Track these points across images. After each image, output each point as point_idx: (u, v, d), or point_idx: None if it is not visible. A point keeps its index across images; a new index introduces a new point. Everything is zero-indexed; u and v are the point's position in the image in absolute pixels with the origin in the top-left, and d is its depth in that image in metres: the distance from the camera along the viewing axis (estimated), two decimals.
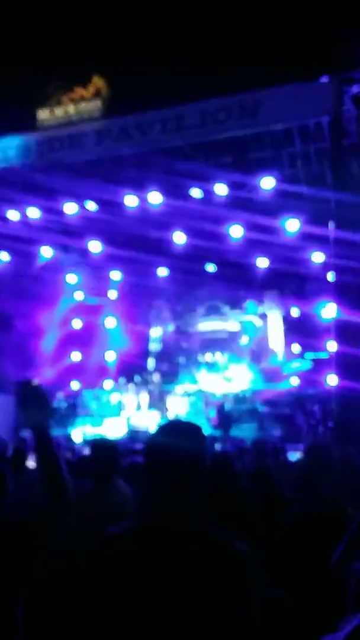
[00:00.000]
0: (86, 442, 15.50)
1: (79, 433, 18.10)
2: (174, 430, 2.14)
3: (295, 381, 19.65)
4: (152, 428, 18.75)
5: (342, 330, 14.10)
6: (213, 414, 18.66)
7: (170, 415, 19.45)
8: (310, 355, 19.80)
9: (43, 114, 15.49)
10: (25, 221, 17.61)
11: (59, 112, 15.38)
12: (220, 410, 18.63)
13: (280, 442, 15.42)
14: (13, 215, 17.32)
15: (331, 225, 14.35)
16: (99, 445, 4.42)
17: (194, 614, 1.83)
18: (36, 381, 2.44)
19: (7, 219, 17.50)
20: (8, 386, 17.19)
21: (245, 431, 17.44)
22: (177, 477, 1.97)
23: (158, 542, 1.92)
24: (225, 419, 18.37)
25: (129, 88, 14.75)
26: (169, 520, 1.96)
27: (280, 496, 4.82)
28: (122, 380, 21.50)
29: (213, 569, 1.87)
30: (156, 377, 20.88)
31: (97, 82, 14.92)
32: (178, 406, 19.63)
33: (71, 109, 15.26)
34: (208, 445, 2.13)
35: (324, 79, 13.97)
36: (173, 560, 1.89)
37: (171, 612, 1.84)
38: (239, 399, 19.30)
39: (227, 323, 22.54)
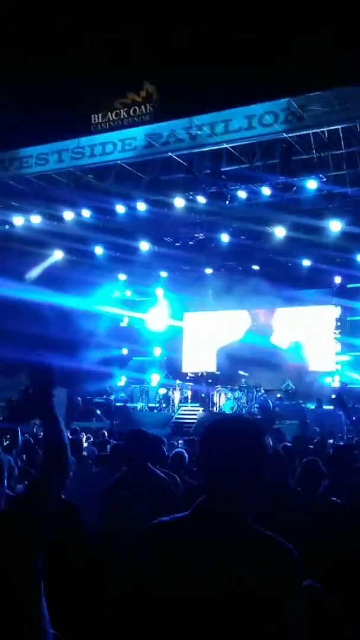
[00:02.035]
0: (125, 434, 15.90)
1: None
2: (234, 425, 2.10)
3: (338, 378, 19.88)
4: (196, 421, 19.26)
5: None
6: (256, 409, 19.04)
7: (215, 409, 19.91)
8: (352, 353, 19.98)
9: (96, 119, 16.07)
10: (78, 221, 18.28)
11: (111, 116, 15.93)
12: (264, 405, 19.02)
13: (321, 438, 15.82)
14: (68, 215, 18.01)
15: None
16: (133, 436, 4.86)
17: (238, 608, 1.83)
18: (48, 363, 2.69)
19: (62, 219, 18.21)
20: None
21: (288, 427, 17.76)
22: (233, 473, 1.97)
23: (208, 534, 1.93)
24: (268, 414, 18.74)
25: (178, 93, 15.16)
26: (220, 513, 1.96)
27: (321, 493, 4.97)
28: (168, 374, 22.07)
29: (260, 564, 1.87)
30: (202, 372, 21.30)
31: (148, 87, 15.41)
32: (222, 400, 20.04)
33: (123, 113, 15.80)
34: (266, 445, 2.10)
35: None
36: (221, 552, 1.89)
37: (215, 605, 1.84)
38: (282, 395, 19.58)
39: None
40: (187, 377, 21.97)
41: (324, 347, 21.37)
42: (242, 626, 1.82)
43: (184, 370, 23.26)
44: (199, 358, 23.41)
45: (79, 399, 20.13)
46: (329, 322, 21.28)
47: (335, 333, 20.98)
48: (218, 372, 21.91)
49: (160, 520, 2.05)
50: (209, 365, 22.80)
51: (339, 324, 21.05)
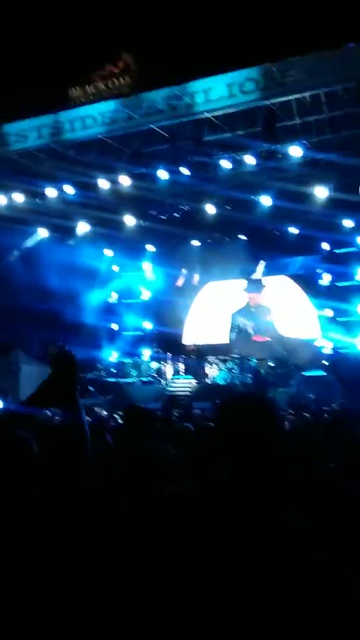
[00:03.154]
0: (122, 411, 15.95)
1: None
2: (246, 404, 2.11)
3: (329, 345, 19.93)
4: (189, 394, 19.32)
5: None
6: (249, 379, 19.10)
7: (208, 381, 19.96)
8: (342, 319, 19.98)
9: (74, 92, 15.79)
10: (61, 197, 18.07)
11: (90, 89, 15.66)
12: (257, 375, 19.07)
13: (315, 405, 15.92)
14: (50, 192, 17.79)
15: None
16: (130, 413, 4.82)
17: (247, 580, 1.82)
18: (67, 348, 2.71)
19: (45, 196, 17.99)
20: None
21: (280, 394, 17.86)
22: (247, 449, 1.96)
23: (222, 504, 1.92)
24: (261, 383, 18.81)
25: (157, 63, 14.93)
26: (234, 484, 1.96)
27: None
28: (160, 348, 22.09)
29: (273, 538, 1.86)
30: (193, 344, 21.30)
31: (126, 58, 15.14)
32: (215, 372, 20.08)
33: (102, 86, 15.54)
34: (279, 422, 2.12)
35: (350, 45, 13.91)
36: (233, 523, 1.88)
37: (224, 579, 1.84)
38: (274, 363, 19.61)
39: (261, 294, 22.62)
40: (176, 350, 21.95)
41: (312, 313, 21.38)
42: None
43: (173, 342, 23.20)
44: (192, 330, 23.39)
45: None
46: (318, 289, 21.22)
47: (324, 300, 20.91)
48: (213, 343, 21.95)
49: (168, 490, 2.05)
50: (203, 336, 22.80)
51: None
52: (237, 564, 1.85)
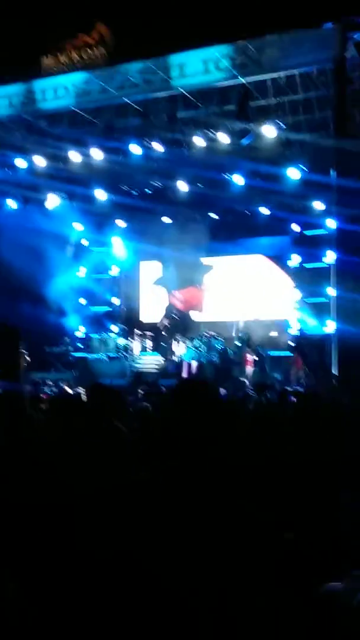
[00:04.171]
0: (86, 388, 15.80)
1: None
2: (198, 389, 2.13)
3: (296, 326, 20.06)
4: (156, 371, 19.38)
5: (342, 276, 14.47)
6: (216, 358, 19.19)
7: (175, 359, 20.00)
8: (310, 300, 20.10)
9: (47, 61, 15.47)
10: (32, 169, 17.76)
11: (62, 59, 15.36)
12: (223, 354, 19.18)
13: (280, 386, 16.08)
14: (20, 163, 17.47)
15: (333, 173, 14.54)
16: (96, 391, 4.70)
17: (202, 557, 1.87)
18: (5, 324, 2.68)
19: (15, 167, 17.66)
20: None
21: (246, 374, 18.00)
22: (199, 434, 1.99)
23: (180, 491, 1.94)
24: (228, 363, 18.93)
25: (132, 35, 14.70)
26: (189, 473, 1.97)
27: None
28: (128, 324, 22.03)
29: (223, 523, 1.90)
30: (161, 322, 21.27)
31: (101, 29, 14.87)
32: (182, 350, 20.11)
33: (75, 56, 15.24)
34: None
35: (328, 25, 13.85)
36: (189, 510, 1.91)
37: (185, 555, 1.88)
38: (242, 342, 19.68)
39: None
40: (144, 327, 21.93)
41: (281, 295, 21.44)
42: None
43: (142, 319, 23.17)
44: (156, 307, 23.30)
45: (25, 352, 19.54)
46: (287, 270, 21.28)
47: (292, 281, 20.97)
48: (177, 318, 21.91)
49: (124, 479, 2.12)
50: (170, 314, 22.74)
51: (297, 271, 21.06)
52: (191, 549, 1.86)
